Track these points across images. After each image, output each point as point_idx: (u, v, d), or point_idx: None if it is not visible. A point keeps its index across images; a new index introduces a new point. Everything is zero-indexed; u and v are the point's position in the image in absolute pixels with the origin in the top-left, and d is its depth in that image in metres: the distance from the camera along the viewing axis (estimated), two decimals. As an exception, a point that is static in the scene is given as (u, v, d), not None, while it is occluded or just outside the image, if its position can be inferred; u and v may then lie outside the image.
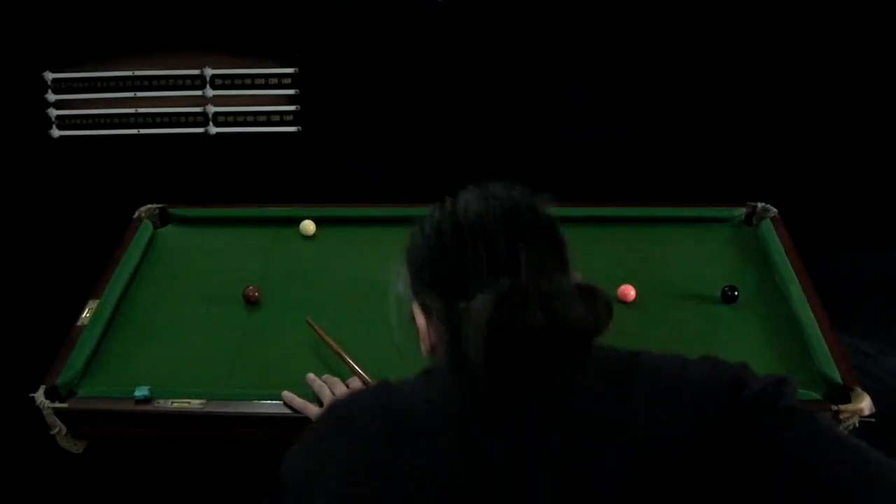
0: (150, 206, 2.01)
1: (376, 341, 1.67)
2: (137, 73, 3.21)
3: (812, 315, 1.65)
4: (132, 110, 3.27)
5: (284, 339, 1.67)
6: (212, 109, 3.26)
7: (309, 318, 1.64)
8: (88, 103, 3.27)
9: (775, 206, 1.97)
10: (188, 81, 3.24)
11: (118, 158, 3.32)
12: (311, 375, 1.47)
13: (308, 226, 1.89)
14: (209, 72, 3.21)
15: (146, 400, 1.50)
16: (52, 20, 3.10)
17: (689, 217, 2.00)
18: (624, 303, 1.73)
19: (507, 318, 0.87)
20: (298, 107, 3.26)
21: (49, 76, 3.22)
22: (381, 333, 1.69)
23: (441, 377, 0.98)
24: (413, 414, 0.95)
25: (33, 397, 1.49)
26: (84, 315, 1.68)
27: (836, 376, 1.50)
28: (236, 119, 3.28)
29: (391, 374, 1.58)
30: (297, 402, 1.46)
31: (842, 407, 1.44)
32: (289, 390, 1.53)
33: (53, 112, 3.27)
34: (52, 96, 3.24)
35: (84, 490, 1.60)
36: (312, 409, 1.43)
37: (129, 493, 1.59)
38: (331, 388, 1.46)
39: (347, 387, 1.47)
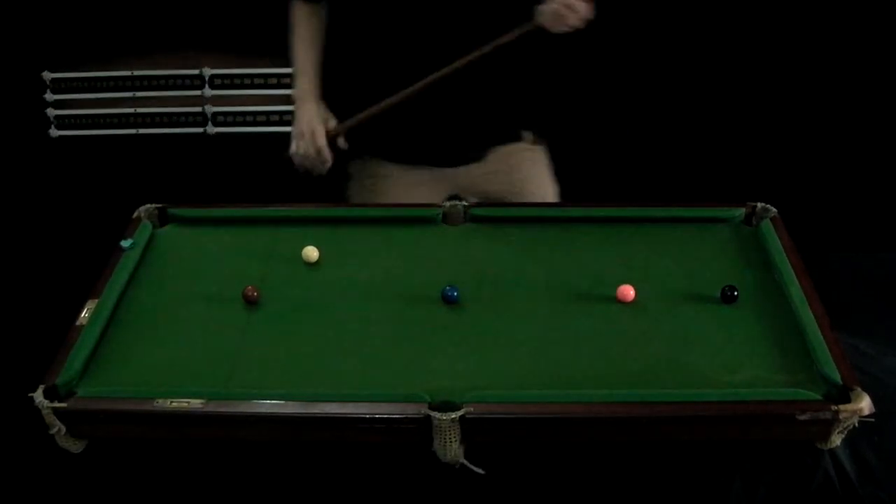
0: (149, 206, 2.01)
1: (376, 340, 1.67)
2: (136, 73, 3.22)
3: (812, 315, 1.65)
4: (131, 110, 3.27)
5: (284, 339, 1.67)
6: (211, 109, 3.26)
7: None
8: (87, 103, 3.27)
9: (775, 206, 1.97)
10: (187, 81, 3.25)
11: (117, 158, 3.33)
12: None
13: (311, 253, 1.87)
14: (208, 72, 3.22)
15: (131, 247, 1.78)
16: (52, 20, 3.10)
17: (689, 217, 2.00)
18: (624, 303, 1.73)
19: None
20: (298, 107, 3.25)
21: (48, 76, 3.22)
22: (381, 333, 1.69)
23: None
24: None
25: (32, 397, 1.49)
26: (83, 315, 1.68)
27: (836, 376, 1.50)
28: (235, 119, 3.29)
29: (389, 377, 1.59)
30: None
31: (841, 407, 1.44)
32: (288, 390, 1.53)
33: (52, 112, 3.27)
34: (50, 96, 3.25)
35: (84, 490, 1.60)
36: None
37: (129, 493, 1.59)
38: None
39: None
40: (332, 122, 1.98)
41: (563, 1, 1.86)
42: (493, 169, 2.17)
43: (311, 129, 1.93)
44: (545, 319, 1.71)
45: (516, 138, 2.16)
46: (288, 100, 3.25)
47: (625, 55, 2.97)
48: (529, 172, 2.20)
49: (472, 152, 2.12)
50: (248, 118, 3.28)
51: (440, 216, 2.00)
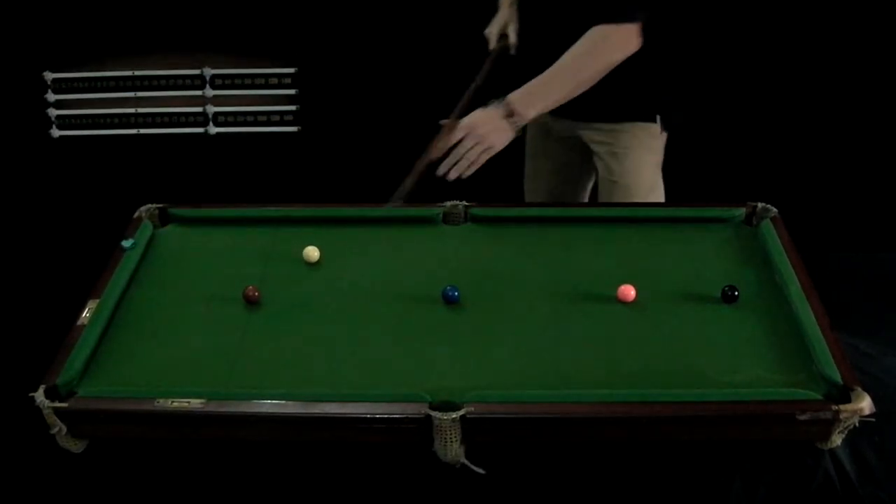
0: (150, 206, 2.01)
1: (376, 340, 1.67)
2: (137, 73, 3.22)
3: (812, 315, 1.65)
4: (132, 110, 3.28)
5: (284, 339, 1.68)
6: (212, 109, 3.27)
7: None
8: (88, 103, 3.28)
9: (775, 206, 1.97)
10: (188, 81, 3.25)
11: (118, 158, 3.33)
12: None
13: (311, 253, 1.87)
14: (209, 72, 3.22)
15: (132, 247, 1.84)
16: (52, 20, 3.11)
17: (689, 217, 2.00)
18: (624, 303, 1.73)
19: None
20: (298, 106, 3.26)
21: (49, 76, 3.23)
22: (381, 333, 1.70)
23: None
24: None
25: (33, 397, 1.49)
26: (84, 315, 1.68)
27: (836, 376, 1.50)
28: (236, 119, 3.29)
29: (389, 377, 1.59)
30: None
31: (842, 407, 1.44)
32: (288, 390, 1.53)
33: (53, 112, 3.28)
34: (52, 96, 3.25)
35: (84, 490, 1.60)
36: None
37: (129, 493, 1.59)
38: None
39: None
40: (511, 27, 2.24)
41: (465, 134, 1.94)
42: (610, 140, 2.24)
43: (490, 30, 2.26)
44: (545, 319, 1.71)
45: (642, 118, 2.20)
46: (288, 99, 3.27)
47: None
48: (637, 156, 2.24)
49: (600, 113, 2.21)
50: (249, 118, 3.28)
51: (440, 216, 2.00)
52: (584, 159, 2.37)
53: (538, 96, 1.96)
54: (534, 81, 1.95)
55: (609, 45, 1.94)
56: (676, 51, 2.20)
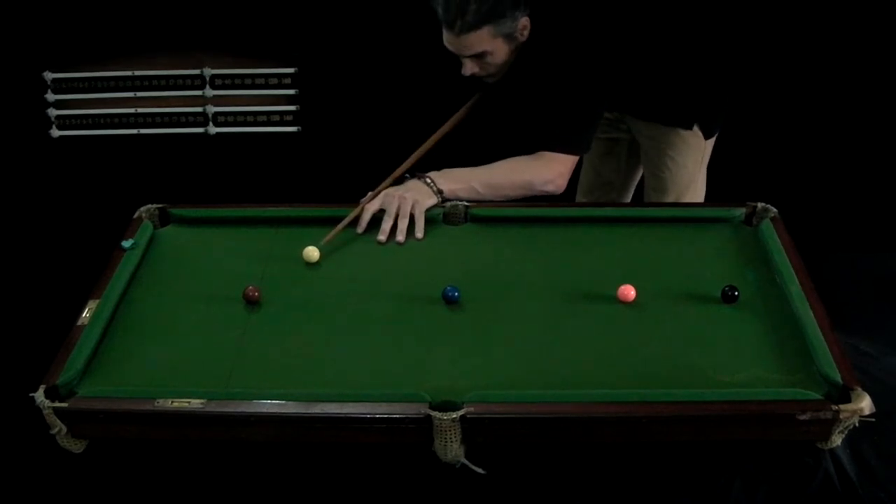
0: (150, 206, 2.01)
1: (376, 340, 1.67)
2: (137, 73, 3.22)
3: (812, 315, 1.65)
4: (132, 110, 3.28)
5: (284, 339, 1.68)
6: (212, 109, 3.27)
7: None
8: (88, 103, 3.28)
9: (775, 206, 1.97)
10: (188, 81, 3.25)
11: (118, 158, 3.33)
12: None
13: (311, 253, 1.88)
14: (209, 72, 3.22)
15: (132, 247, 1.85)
16: (52, 20, 3.11)
17: (689, 217, 2.00)
18: (624, 303, 1.73)
19: None
20: (298, 107, 3.26)
21: (49, 76, 3.22)
22: (381, 332, 1.70)
23: None
24: None
25: (33, 397, 1.49)
26: (84, 315, 1.68)
27: (837, 376, 1.50)
28: (236, 119, 3.29)
29: (389, 377, 1.59)
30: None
31: (842, 407, 1.44)
32: (288, 390, 1.53)
33: (53, 112, 3.28)
34: (51, 96, 3.25)
35: (84, 490, 1.60)
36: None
37: (129, 493, 1.59)
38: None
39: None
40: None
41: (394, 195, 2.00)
42: (656, 137, 2.34)
43: None
44: (545, 319, 1.71)
45: (681, 123, 2.30)
46: (288, 99, 3.26)
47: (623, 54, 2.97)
48: (678, 156, 2.34)
49: (649, 109, 2.32)
50: (249, 118, 3.28)
51: (440, 216, 2.00)
52: (633, 161, 2.53)
53: (454, 174, 2.05)
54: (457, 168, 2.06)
55: (542, 168, 2.04)
56: (716, 65, 2.34)
